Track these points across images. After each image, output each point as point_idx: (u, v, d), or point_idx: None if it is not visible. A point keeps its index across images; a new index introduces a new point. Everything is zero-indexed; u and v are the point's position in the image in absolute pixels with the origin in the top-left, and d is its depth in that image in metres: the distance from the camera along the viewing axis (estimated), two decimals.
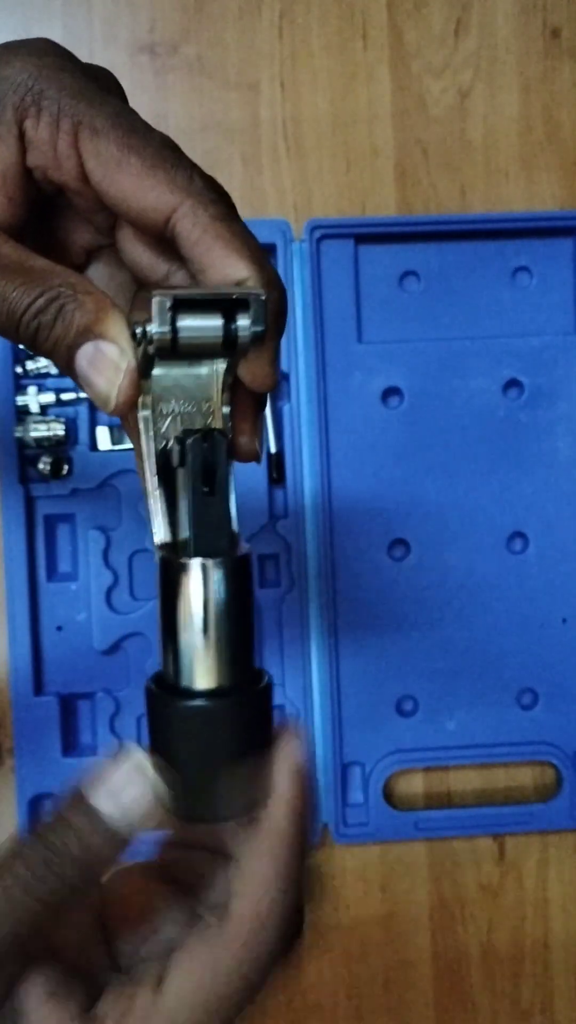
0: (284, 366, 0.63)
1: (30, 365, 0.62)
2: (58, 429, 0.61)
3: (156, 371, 0.31)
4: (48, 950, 0.29)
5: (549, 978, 0.66)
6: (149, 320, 0.29)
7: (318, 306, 0.62)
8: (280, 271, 0.61)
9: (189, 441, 0.29)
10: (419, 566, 0.64)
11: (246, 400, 0.32)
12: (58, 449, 0.62)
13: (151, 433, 0.31)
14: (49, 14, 0.64)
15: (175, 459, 0.30)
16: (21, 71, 0.29)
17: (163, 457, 0.31)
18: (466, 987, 0.66)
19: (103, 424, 0.63)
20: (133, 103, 0.31)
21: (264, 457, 0.63)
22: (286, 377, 0.63)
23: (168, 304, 0.28)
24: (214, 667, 0.29)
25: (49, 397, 0.62)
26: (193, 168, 0.30)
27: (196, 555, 0.29)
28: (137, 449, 0.32)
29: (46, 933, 0.29)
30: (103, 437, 0.62)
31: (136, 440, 0.32)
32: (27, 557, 0.61)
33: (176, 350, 0.29)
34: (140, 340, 0.29)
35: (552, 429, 0.65)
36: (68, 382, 0.62)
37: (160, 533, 0.31)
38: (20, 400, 0.61)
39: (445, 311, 0.64)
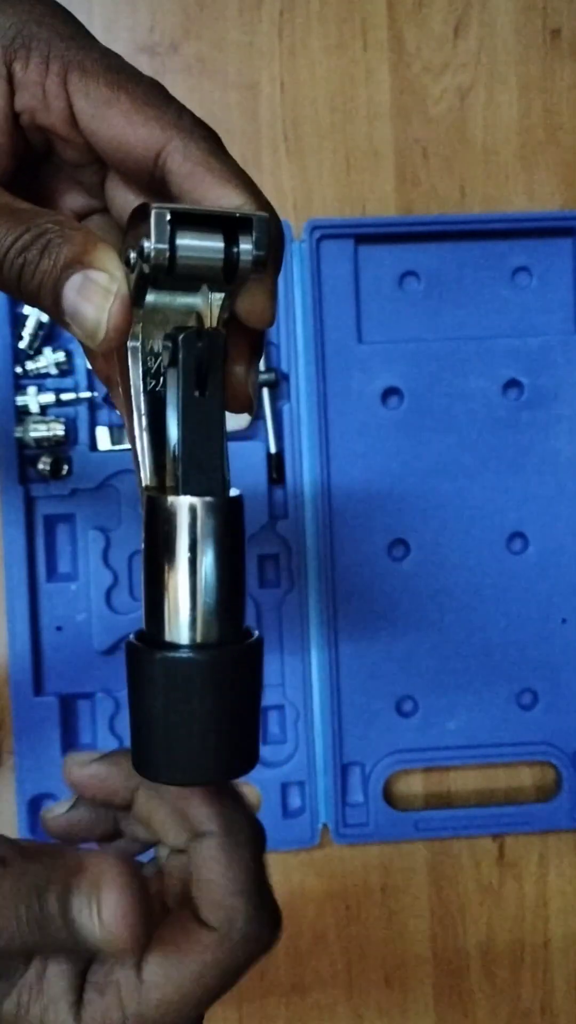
0: (284, 366, 0.63)
1: (30, 365, 0.62)
2: (58, 429, 0.61)
3: (148, 298, 0.29)
4: None
5: (549, 978, 0.66)
6: (145, 237, 0.27)
7: (318, 306, 0.62)
8: (280, 271, 0.61)
9: (181, 337, 0.27)
10: (419, 566, 0.64)
11: (241, 342, 0.31)
12: (58, 449, 0.62)
13: (140, 369, 0.29)
14: None
15: (165, 359, 0.28)
16: (11, 16, 0.29)
17: (152, 399, 0.29)
18: (466, 987, 0.66)
19: (103, 424, 0.63)
20: None
21: (264, 457, 0.63)
22: (286, 377, 0.63)
23: (167, 217, 0.26)
24: (201, 618, 0.27)
25: (49, 397, 0.62)
26: (182, 107, 0.30)
27: (185, 494, 0.27)
28: (124, 387, 0.30)
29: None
30: (103, 437, 0.62)
31: (123, 378, 0.30)
32: (27, 557, 0.61)
33: (173, 271, 0.27)
34: (134, 265, 0.27)
35: (552, 429, 0.65)
36: (68, 382, 0.63)
37: (147, 477, 0.29)
38: (20, 400, 0.61)
39: (445, 311, 0.64)
